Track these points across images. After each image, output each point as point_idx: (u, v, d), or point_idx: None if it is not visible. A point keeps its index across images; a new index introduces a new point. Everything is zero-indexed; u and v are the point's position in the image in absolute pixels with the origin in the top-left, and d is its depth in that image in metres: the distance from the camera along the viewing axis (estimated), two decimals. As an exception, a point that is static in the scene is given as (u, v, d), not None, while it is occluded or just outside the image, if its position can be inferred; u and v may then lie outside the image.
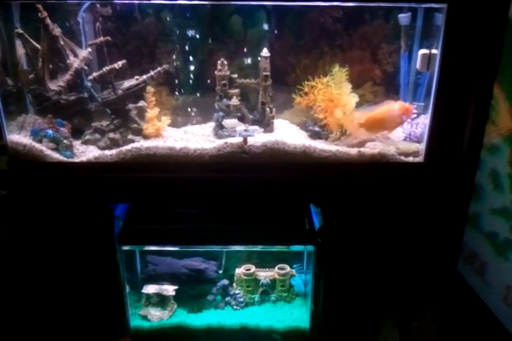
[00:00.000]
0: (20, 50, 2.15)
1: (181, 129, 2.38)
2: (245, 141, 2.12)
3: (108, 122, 2.25)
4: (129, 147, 2.13)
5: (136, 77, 2.24)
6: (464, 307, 2.16)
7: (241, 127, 2.14)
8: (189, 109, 2.41)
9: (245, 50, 2.32)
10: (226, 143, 2.13)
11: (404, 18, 2.24)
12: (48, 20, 2.07)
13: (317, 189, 2.18)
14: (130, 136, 2.24)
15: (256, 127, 2.14)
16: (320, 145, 2.15)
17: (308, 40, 2.32)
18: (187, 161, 2.14)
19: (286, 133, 2.31)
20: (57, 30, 2.12)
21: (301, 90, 2.23)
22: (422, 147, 2.16)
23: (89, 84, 2.24)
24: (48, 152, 2.13)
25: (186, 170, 2.14)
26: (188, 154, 2.13)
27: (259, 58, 2.24)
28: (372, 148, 2.17)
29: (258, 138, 2.15)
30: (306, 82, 2.21)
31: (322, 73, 2.24)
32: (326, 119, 2.24)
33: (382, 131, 2.21)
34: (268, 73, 2.23)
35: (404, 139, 2.25)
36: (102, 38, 2.15)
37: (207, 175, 2.14)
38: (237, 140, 2.13)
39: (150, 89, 2.25)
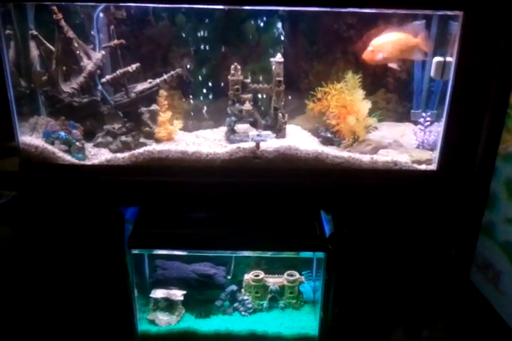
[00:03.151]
0: (34, 52, 2.16)
1: (193, 133, 2.37)
2: (258, 145, 2.12)
3: (120, 125, 2.25)
4: (141, 150, 2.13)
5: (149, 80, 2.25)
6: (477, 316, 2.14)
7: (254, 132, 2.13)
8: (201, 113, 2.40)
9: (258, 55, 2.31)
10: (238, 147, 2.13)
11: (418, 25, 2.23)
12: (63, 22, 2.08)
13: (328, 195, 2.17)
14: (142, 140, 2.23)
15: (269, 132, 2.14)
16: (332, 152, 2.14)
17: (322, 46, 2.32)
18: (199, 165, 2.13)
19: (299, 138, 2.30)
20: (71, 33, 2.12)
21: (314, 96, 2.22)
22: (435, 155, 2.14)
23: (102, 86, 2.24)
24: (60, 154, 2.13)
25: (198, 174, 2.13)
26: (200, 158, 2.13)
27: (272, 63, 2.23)
28: (385, 155, 2.16)
29: (270, 143, 2.14)
30: (319, 88, 2.20)
31: (335, 79, 2.23)
32: (338, 125, 2.23)
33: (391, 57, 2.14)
34: (281, 78, 2.22)
35: (417, 147, 2.24)
36: (116, 41, 2.15)
37: (218, 180, 2.13)
38: (249, 145, 2.13)
39: (163, 92, 2.24)
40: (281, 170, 2.13)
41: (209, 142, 2.28)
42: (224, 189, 2.14)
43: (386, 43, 2.11)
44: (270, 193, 2.15)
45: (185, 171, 2.13)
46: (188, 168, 2.13)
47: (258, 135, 2.11)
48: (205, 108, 2.39)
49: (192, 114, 2.41)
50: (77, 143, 2.15)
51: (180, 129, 2.34)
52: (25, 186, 2.19)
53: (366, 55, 2.12)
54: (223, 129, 2.36)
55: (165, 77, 2.24)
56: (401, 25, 2.13)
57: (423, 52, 2.15)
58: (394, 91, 2.39)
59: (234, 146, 2.13)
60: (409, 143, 2.26)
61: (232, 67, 2.22)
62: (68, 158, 2.13)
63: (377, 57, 2.12)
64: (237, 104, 2.28)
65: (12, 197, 2.27)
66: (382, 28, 2.20)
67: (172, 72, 2.24)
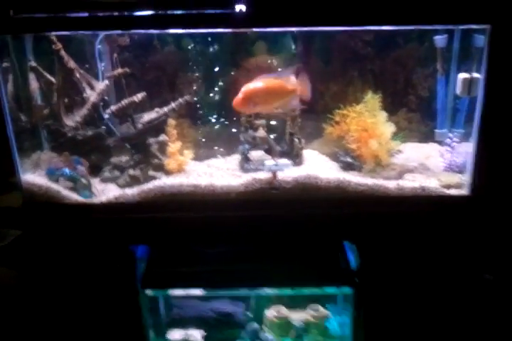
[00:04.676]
0: (34, 84, 2.05)
1: (205, 163, 2.25)
2: (275, 176, 1.98)
3: (128, 158, 2.14)
4: (151, 186, 2.00)
5: (157, 109, 2.13)
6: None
7: (269, 161, 2.00)
8: (212, 142, 2.28)
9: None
10: (254, 178, 1.99)
11: (440, 40, 2.09)
12: (63, 52, 1.97)
13: (352, 225, 2.02)
14: (151, 172, 2.11)
15: (286, 161, 2.00)
16: (355, 179, 2.00)
17: (338, 66, 2.19)
18: (213, 199, 2.00)
19: (317, 165, 2.16)
20: (72, 63, 2.01)
21: (331, 119, 2.08)
22: (465, 178, 1.99)
23: (107, 118, 2.12)
24: (65, 192, 2.01)
25: (212, 208, 1.99)
26: (214, 191, 2.00)
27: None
28: (411, 180, 2.01)
29: (288, 172, 2.01)
30: (336, 111, 2.06)
31: (353, 100, 2.10)
32: (359, 150, 2.08)
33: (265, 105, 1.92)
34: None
35: (445, 169, 2.08)
36: (119, 70, 2.04)
37: (234, 214, 1.99)
38: (265, 175, 1.99)
39: (171, 121, 2.12)
40: (300, 200, 1.99)
41: (222, 172, 2.14)
42: (240, 222, 2.01)
43: (258, 90, 1.88)
44: (289, 225, 2.01)
45: (199, 206, 2.00)
46: (201, 202, 2.00)
47: (274, 164, 1.98)
48: (217, 135, 2.26)
49: (203, 142, 2.28)
50: (83, 180, 2.03)
51: (191, 159, 2.20)
52: (30, 227, 2.06)
53: (236, 104, 1.88)
54: (236, 157, 2.23)
55: (173, 105, 2.12)
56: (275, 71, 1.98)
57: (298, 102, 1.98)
58: (416, 109, 2.24)
59: (249, 177, 2.00)
60: (436, 166, 2.11)
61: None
62: (74, 196, 2.02)
63: (249, 106, 1.90)
64: (250, 131, 2.15)
65: (16, 237, 2.14)
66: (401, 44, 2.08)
67: (180, 100, 2.11)
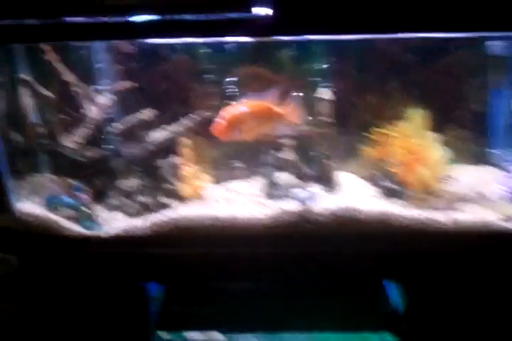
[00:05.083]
0: (27, 100, 1.77)
1: (223, 186, 1.99)
2: (305, 207, 1.71)
3: (136, 183, 1.88)
4: (163, 217, 1.75)
5: (169, 127, 1.85)
6: None
7: (301, 191, 1.72)
8: (232, 162, 2.00)
9: (299, 90, 1.89)
10: (282, 210, 1.72)
11: (495, 46, 1.80)
12: (58, 63, 1.68)
13: (396, 263, 1.75)
14: (163, 199, 1.84)
15: (317, 190, 1.73)
16: (399, 211, 1.73)
17: (377, 76, 1.90)
18: (234, 233, 1.75)
19: (354, 191, 1.89)
20: (69, 75, 1.73)
21: (370, 139, 1.80)
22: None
23: (112, 136, 1.85)
24: (65, 223, 1.77)
25: (233, 244, 1.74)
26: (235, 224, 1.74)
27: (316, 100, 1.82)
28: (465, 211, 1.74)
29: (322, 202, 1.74)
30: (376, 129, 1.78)
31: (394, 116, 1.81)
32: (403, 175, 1.80)
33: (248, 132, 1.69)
34: (329, 119, 1.81)
35: (504, 198, 1.80)
36: (124, 83, 1.77)
37: (258, 250, 1.73)
38: (294, 205, 1.73)
39: (185, 140, 1.85)
40: (336, 235, 1.73)
41: (243, 197, 1.88)
42: (266, 259, 1.75)
43: (240, 115, 1.64)
44: (324, 263, 1.74)
45: (218, 241, 1.75)
46: (220, 236, 1.75)
47: (305, 193, 1.70)
48: (237, 155, 1.99)
49: (221, 162, 2.00)
50: (85, 209, 1.76)
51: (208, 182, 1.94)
52: (28, 260, 1.80)
53: (216, 130, 1.64)
54: (259, 180, 1.96)
55: (187, 121, 1.84)
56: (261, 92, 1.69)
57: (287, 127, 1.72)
58: (467, 126, 1.95)
59: (276, 208, 1.73)
60: (494, 194, 1.82)
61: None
62: (76, 227, 1.77)
63: (231, 133, 1.65)
64: (276, 152, 1.86)
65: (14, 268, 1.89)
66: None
67: (195, 116, 1.83)
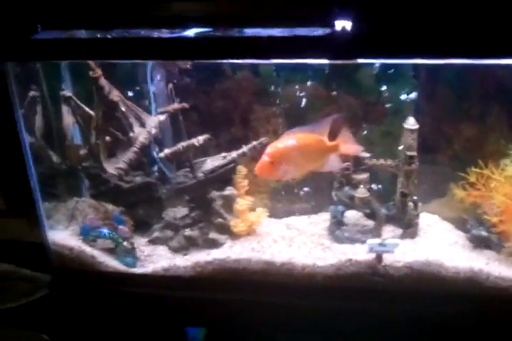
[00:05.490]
0: (68, 119, 1.60)
1: (282, 221, 1.73)
2: (379, 258, 1.43)
3: (184, 214, 1.66)
4: (209, 258, 1.53)
5: (224, 154, 1.63)
6: None
7: (373, 240, 1.43)
8: (294, 194, 1.75)
9: (380, 117, 1.60)
10: (350, 260, 1.46)
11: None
12: (103, 81, 1.50)
13: (489, 332, 1.42)
14: (212, 235, 1.63)
15: (397, 241, 1.43)
16: (496, 271, 1.40)
17: (475, 102, 1.56)
18: (290, 282, 1.52)
19: (437, 237, 1.60)
20: (116, 93, 1.54)
21: (464, 179, 1.48)
22: None
23: (159, 163, 1.65)
24: (103, 258, 1.60)
25: (289, 294, 1.51)
26: (292, 272, 1.50)
27: (401, 131, 1.52)
28: None
29: (399, 252, 1.45)
30: (472, 169, 1.46)
31: (496, 152, 1.48)
32: (503, 225, 1.47)
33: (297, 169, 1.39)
34: (414, 153, 1.51)
35: None
36: (176, 105, 1.55)
37: (318, 304, 1.47)
38: (363, 254, 1.46)
39: (242, 169, 1.63)
40: (414, 293, 1.45)
41: (305, 237, 1.63)
42: (328, 316, 1.48)
43: (289, 151, 1.34)
44: (398, 325, 1.45)
45: (271, 289, 1.53)
46: (274, 284, 1.53)
47: (380, 244, 1.41)
48: (300, 187, 1.72)
49: (282, 194, 1.75)
50: (125, 243, 1.58)
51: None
52: (62, 296, 1.63)
53: (261, 170, 1.34)
54: (325, 217, 1.70)
55: (245, 149, 1.60)
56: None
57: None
58: None
59: (343, 258, 1.47)
60: None
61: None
62: (114, 263, 1.59)
63: (278, 172, 1.35)
64: (346, 188, 1.62)
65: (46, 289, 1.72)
66: None
67: (254, 143, 1.59)
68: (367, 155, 1.56)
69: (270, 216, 1.74)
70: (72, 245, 1.59)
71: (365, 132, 1.63)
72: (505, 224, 1.47)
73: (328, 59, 1.29)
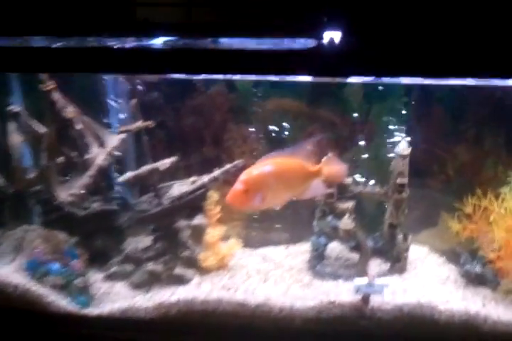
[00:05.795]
0: (16, 137, 1.41)
1: (258, 252, 1.60)
2: (366, 300, 1.27)
3: (147, 245, 1.50)
4: (173, 299, 1.34)
5: (193, 178, 1.46)
6: None
7: (361, 281, 1.28)
8: (271, 223, 1.60)
9: (366, 140, 1.46)
10: (333, 302, 1.29)
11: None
12: (57, 95, 1.31)
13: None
14: (178, 270, 1.47)
15: (386, 281, 1.28)
16: (494, 313, 1.27)
17: (470, 126, 1.43)
18: (266, 326, 1.35)
19: (428, 272, 1.48)
20: (71, 110, 1.35)
21: (459, 210, 1.35)
22: None
23: (119, 188, 1.47)
24: (52, 297, 1.44)
25: (265, 340, 1.31)
26: (269, 315, 1.33)
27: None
28: None
29: (387, 293, 1.30)
30: (468, 199, 1.32)
31: (495, 180, 1.36)
32: (500, 262, 1.33)
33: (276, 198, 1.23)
34: (405, 181, 1.36)
35: None
36: (138, 123, 1.38)
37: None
38: (348, 294, 1.33)
39: (213, 194, 1.47)
40: (404, 339, 1.30)
41: (282, 272, 1.48)
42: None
43: (263, 177, 1.18)
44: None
45: (244, 334, 1.36)
46: (247, 329, 1.36)
47: (368, 284, 1.26)
48: (277, 216, 1.58)
49: (257, 222, 1.60)
50: (78, 281, 1.39)
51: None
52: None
53: (233, 199, 1.17)
54: (304, 248, 1.57)
55: (217, 172, 1.43)
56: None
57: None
58: None
59: (325, 300, 1.32)
60: None
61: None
62: (64, 303, 1.42)
63: (253, 202, 1.18)
64: (329, 217, 1.47)
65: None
66: None
67: (228, 166, 1.43)
68: (350, 181, 1.42)
69: (244, 246, 1.59)
70: (16, 282, 1.41)
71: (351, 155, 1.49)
72: (504, 260, 1.33)
73: (313, 76, 1.14)
